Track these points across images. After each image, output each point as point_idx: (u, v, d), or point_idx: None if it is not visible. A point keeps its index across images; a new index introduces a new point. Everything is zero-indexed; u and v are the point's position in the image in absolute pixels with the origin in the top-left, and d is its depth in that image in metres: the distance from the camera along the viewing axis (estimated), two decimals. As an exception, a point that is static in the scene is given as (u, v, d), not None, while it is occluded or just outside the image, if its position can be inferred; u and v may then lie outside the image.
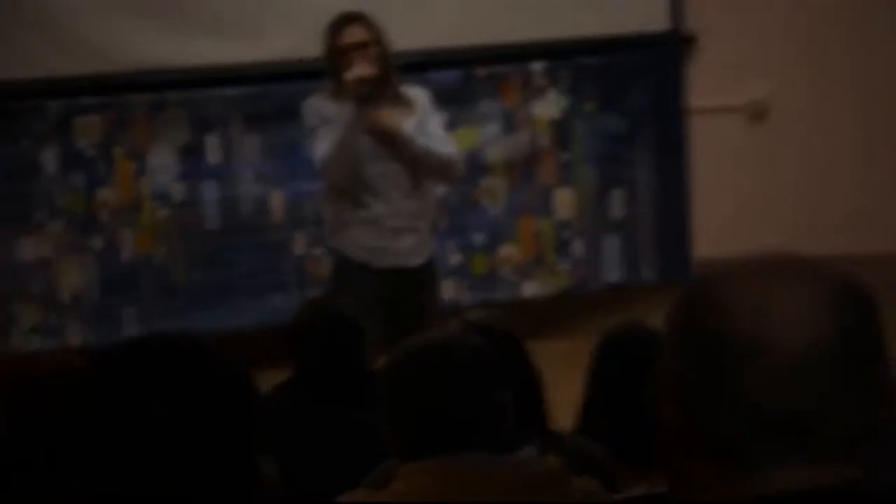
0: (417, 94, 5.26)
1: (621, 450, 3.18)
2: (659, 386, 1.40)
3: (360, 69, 5.02)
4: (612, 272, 7.34)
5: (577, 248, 7.24)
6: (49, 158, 6.48)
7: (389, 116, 5.11)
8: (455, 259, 7.01)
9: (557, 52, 7.11)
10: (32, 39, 6.34)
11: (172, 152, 6.64)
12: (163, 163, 6.63)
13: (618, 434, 3.22)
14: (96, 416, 1.75)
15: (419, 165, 5.16)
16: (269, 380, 3.72)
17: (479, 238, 7.07)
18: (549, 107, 7.13)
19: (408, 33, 6.02)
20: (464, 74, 6.98)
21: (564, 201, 7.19)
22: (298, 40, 6.18)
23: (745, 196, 7.42)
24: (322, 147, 5.06)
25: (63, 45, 6.38)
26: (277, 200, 6.77)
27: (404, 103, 5.17)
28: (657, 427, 1.40)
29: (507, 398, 2.58)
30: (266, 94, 6.68)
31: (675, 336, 1.41)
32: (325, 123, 5.07)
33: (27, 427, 2.93)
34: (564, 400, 3.50)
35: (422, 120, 5.18)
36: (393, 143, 5.11)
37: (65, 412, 1.93)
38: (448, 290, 6.74)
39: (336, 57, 5.08)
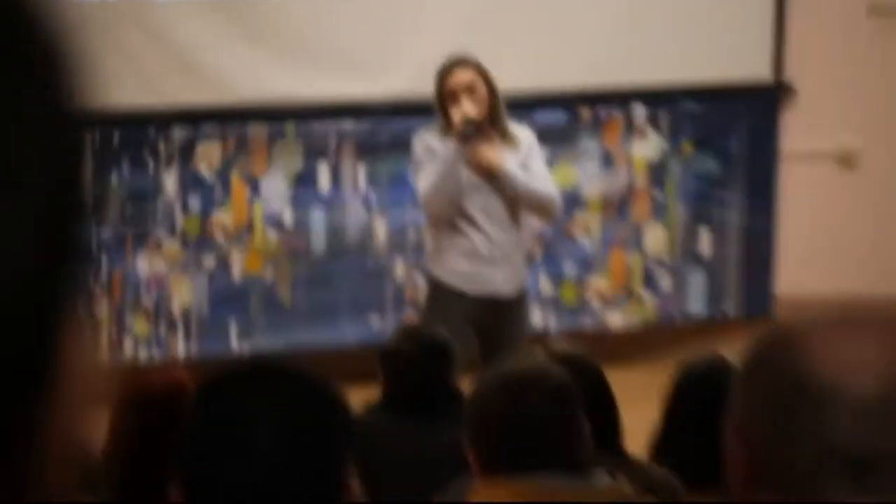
0: (523, 132, 5.36)
1: (692, 478, 3.19)
2: (731, 420, 1.42)
3: (466, 108, 5.18)
4: (696, 305, 7.43)
5: (664, 281, 7.35)
6: (170, 181, 6.70)
7: (493, 152, 5.26)
8: (546, 287, 7.12)
9: (659, 97, 7.24)
10: (161, 70, 6.53)
11: (285, 179, 6.84)
12: (276, 188, 6.84)
13: (690, 463, 3.23)
14: (199, 432, 1.94)
15: (518, 201, 5.35)
16: (364, 395, 3.82)
17: (570, 269, 7.18)
18: (647, 148, 7.26)
19: (517, 74, 6.16)
20: (568, 115, 7.12)
21: (655, 237, 7.31)
22: (412, 78, 6.32)
23: (830, 238, 7.45)
24: (425, 179, 5.20)
25: (189, 75, 6.58)
26: (381, 227, 6.95)
27: (510, 141, 5.28)
28: (726, 459, 1.42)
29: (585, 424, 2.68)
30: (378, 128, 6.84)
31: (751, 374, 1.43)
32: (432, 157, 5.24)
33: (133, 439, 3.12)
34: (639, 427, 3.54)
35: (525, 158, 5.30)
36: (494, 178, 5.25)
37: (170, 429, 2.12)
38: (537, 316, 6.90)
39: (445, 97, 5.21)
